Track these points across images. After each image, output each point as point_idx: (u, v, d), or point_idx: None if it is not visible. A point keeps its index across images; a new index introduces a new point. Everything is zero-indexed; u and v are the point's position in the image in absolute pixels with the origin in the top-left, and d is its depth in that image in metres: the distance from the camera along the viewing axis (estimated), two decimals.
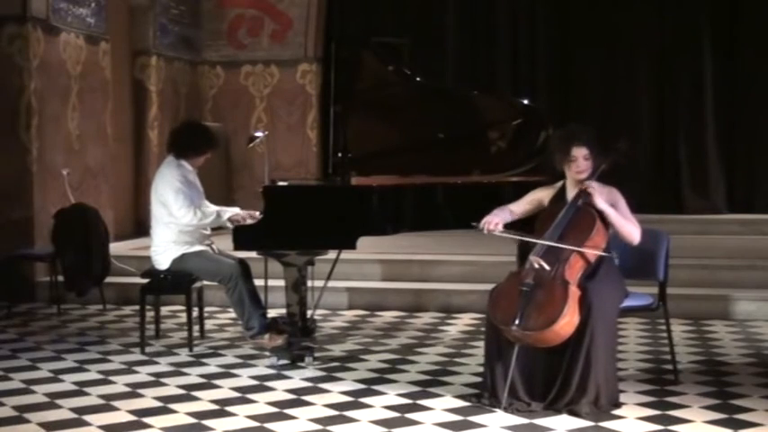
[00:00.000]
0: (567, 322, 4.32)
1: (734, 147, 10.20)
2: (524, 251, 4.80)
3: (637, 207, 4.72)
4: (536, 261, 4.48)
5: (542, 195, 4.85)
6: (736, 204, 10.15)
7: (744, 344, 6.00)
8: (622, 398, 4.61)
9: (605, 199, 4.62)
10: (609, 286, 4.55)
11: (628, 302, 4.76)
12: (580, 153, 4.62)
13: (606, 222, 4.59)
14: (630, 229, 4.60)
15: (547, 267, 4.45)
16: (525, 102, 6.60)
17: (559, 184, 4.82)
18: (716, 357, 5.63)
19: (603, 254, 4.53)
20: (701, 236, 9.13)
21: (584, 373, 4.36)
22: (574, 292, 4.38)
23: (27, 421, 4.45)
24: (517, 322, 4.34)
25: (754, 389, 4.89)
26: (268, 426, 4.36)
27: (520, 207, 4.85)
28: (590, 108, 10.15)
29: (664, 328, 5.15)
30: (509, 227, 4.73)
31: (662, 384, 4.98)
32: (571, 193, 4.71)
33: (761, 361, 5.53)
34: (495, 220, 4.66)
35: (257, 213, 5.55)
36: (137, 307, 6.16)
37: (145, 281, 5.98)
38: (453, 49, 10.68)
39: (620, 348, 5.47)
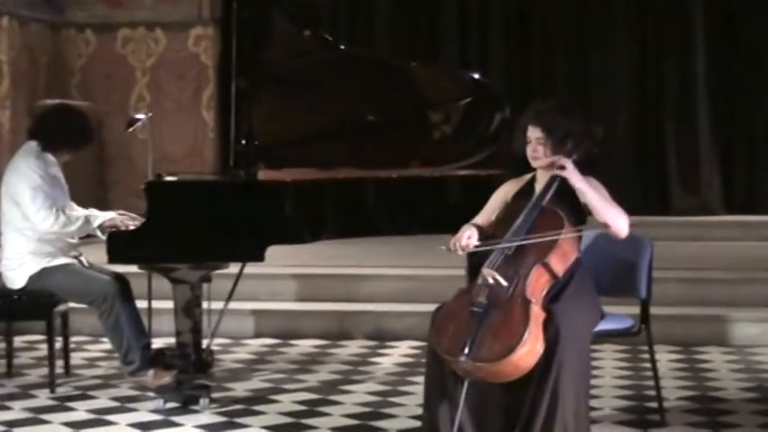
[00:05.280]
0: (528, 351, 4.36)
1: (731, 135, 10.42)
2: (476, 263, 4.82)
3: None
4: (490, 275, 4.50)
5: (507, 191, 4.88)
6: (734, 204, 10.38)
7: (743, 375, 6.13)
8: None
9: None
10: (580, 307, 4.59)
11: (603, 326, 4.82)
12: (533, 134, 4.68)
13: (576, 225, 4.63)
14: (615, 215, 4.61)
15: (503, 283, 4.47)
16: (476, 76, 6.65)
17: (528, 176, 4.86)
18: (710, 392, 5.74)
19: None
20: (693, 242, 9.31)
21: (550, 413, 4.39)
22: (536, 314, 4.41)
23: None
24: (467, 352, 4.36)
25: (755, 430, 5.00)
26: None
27: (484, 217, 4.83)
28: (557, 86, 10.29)
29: (647, 356, 5.24)
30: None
31: (645, 426, 5.06)
32: (540, 187, 4.73)
33: (763, 396, 5.66)
34: (467, 234, 4.64)
35: (138, 217, 5.52)
36: None
37: None
38: (385, 10, 10.72)
39: (594, 382, 5.55)
